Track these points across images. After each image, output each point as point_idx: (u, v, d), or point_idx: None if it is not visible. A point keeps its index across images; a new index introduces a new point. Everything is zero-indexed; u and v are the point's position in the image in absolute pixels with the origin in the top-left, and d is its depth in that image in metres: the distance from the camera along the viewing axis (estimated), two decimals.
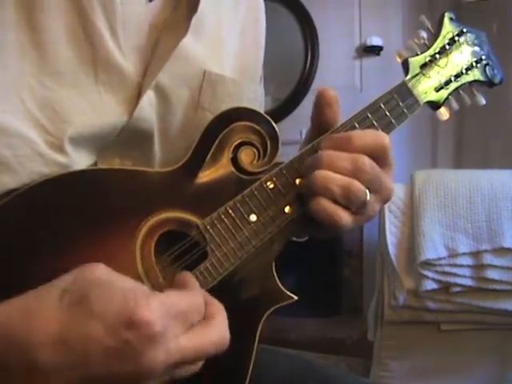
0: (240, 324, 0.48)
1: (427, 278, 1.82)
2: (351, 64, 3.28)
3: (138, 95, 0.59)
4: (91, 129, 0.57)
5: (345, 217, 0.56)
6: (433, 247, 1.82)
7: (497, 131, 2.91)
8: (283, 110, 3.34)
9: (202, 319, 0.47)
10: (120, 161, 0.61)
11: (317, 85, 3.35)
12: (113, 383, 0.43)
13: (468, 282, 1.81)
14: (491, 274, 1.78)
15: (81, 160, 0.57)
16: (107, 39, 0.57)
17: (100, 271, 0.45)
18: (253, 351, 0.59)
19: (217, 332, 0.47)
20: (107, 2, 0.57)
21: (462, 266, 1.82)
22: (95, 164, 0.59)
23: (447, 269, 1.82)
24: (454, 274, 1.82)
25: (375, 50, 3.18)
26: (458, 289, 1.82)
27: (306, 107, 3.46)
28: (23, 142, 0.53)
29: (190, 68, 0.64)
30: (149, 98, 0.60)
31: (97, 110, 0.57)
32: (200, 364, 0.48)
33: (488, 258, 1.79)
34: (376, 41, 3.16)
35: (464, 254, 1.82)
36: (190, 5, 0.63)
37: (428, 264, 1.82)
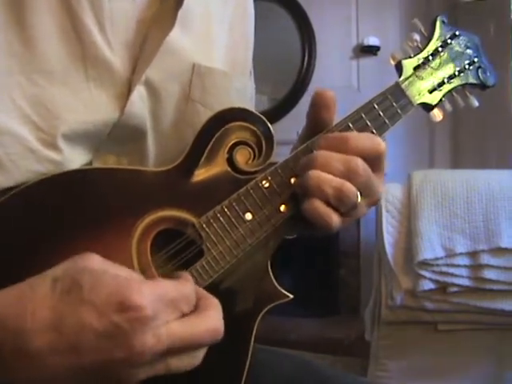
0: (236, 322, 0.49)
1: (424, 277, 1.82)
2: (348, 64, 3.29)
3: (128, 91, 0.60)
4: (84, 125, 0.57)
5: (335, 218, 0.57)
6: (430, 247, 1.82)
7: (493, 131, 2.92)
8: (280, 109, 3.35)
9: (193, 309, 0.47)
10: (115, 158, 0.61)
11: (314, 85, 3.35)
12: (105, 370, 0.43)
13: (465, 282, 1.81)
14: (488, 274, 1.79)
15: (75, 157, 0.57)
16: (96, 36, 0.57)
17: (93, 260, 0.46)
18: (249, 349, 0.59)
19: (210, 321, 0.47)
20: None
21: (459, 266, 1.82)
22: (90, 161, 0.60)
23: (444, 269, 1.82)
24: (451, 274, 1.82)
25: (372, 50, 3.19)
26: (455, 289, 1.82)
27: (303, 107, 3.44)
28: (14, 139, 0.53)
29: (178, 62, 0.64)
30: (139, 94, 0.60)
31: (88, 106, 0.58)
32: (198, 358, 0.47)
33: (485, 258, 1.80)
34: (373, 41, 3.17)
35: (461, 253, 1.82)
36: None
37: (425, 264, 1.82)
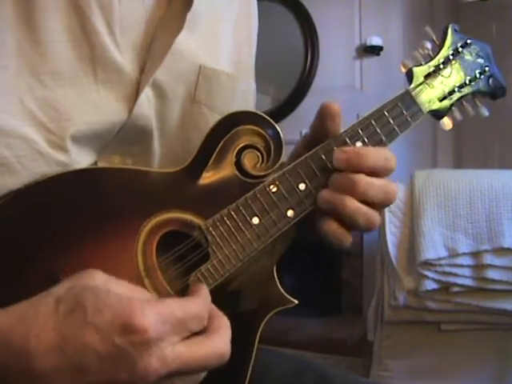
0: (240, 327, 0.48)
1: (427, 277, 1.82)
2: (351, 64, 3.29)
3: (136, 92, 0.60)
4: (92, 127, 0.57)
5: (350, 239, 0.60)
6: (433, 247, 1.82)
7: (496, 132, 2.91)
8: (283, 110, 3.35)
9: (204, 329, 0.47)
10: (120, 158, 0.61)
11: (317, 85, 3.35)
12: None
13: (468, 282, 1.81)
14: (491, 273, 1.79)
15: (81, 159, 0.58)
16: (105, 38, 0.58)
17: (96, 279, 0.45)
18: (252, 354, 0.59)
19: (218, 344, 0.46)
20: (105, 1, 0.57)
21: (462, 265, 1.82)
22: (95, 162, 0.60)
23: (447, 269, 1.82)
24: (454, 274, 1.82)
25: (375, 50, 3.19)
26: (457, 289, 1.82)
27: (306, 107, 3.47)
28: (23, 141, 0.53)
29: (185, 63, 0.64)
30: (147, 95, 0.61)
31: (96, 108, 0.58)
32: (201, 376, 0.47)
33: (488, 258, 1.79)
34: (376, 41, 3.17)
35: (464, 253, 1.82)
36: (185, 1, 0.63)
37: (428, 264, 1.82)
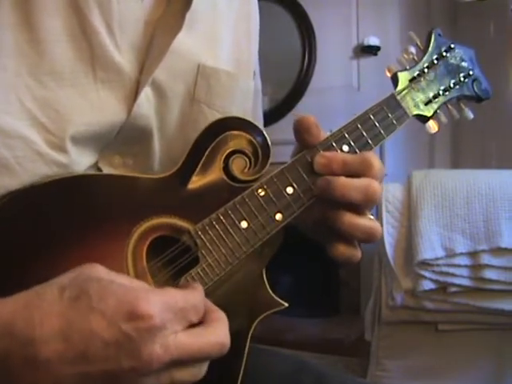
0: (231, 330, 0.49)
1: (424, 278, 1.82)
2: (349, 64, 3.29)
3: (136, 92, 0.60)
4: (91, 127, 0.57)
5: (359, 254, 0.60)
6: (430, 247, 1.82)
7: (494, 131, 2.91)
8: (281, 110, 3.35)
9: (201, 320, 0.47)
10: (120, 158, 0.62)
11: (314, 85, 3.35)
12: (112, 379, 0.43)
13: (465, 282, 1.81)
14: (488, 274, 1.79)
15: (81, 159, 0.58)
16: (104, 37, 0.58)
17: (99, 270, 0.46)
18: (243, 356, 0.59)
19: (217, 335, 0.47)
20: (104, 1, 0.57)
21: (459, 266, 1.82)
22: (96, 162, 0.60)
23: (444, 269, 1.82)
24: (452, 274, 1.82)
25: (372, 50, 3.19)
26: (455, 289, 1.82)
27: (304, 107, 3.47)
28: (23, 142, 0.53)
29: (184, 63, 0.65)
30: (146, 95, 0.61)
31: (96, 108, 0.58)
32: (202, 371, 0.47)
33: (485, 258, 1.80)
34: (373, 41, 3.17)
35: (461, 254, 1.82)
36: (184, 1, 0.63)
37: (425, 264, 1.82)
